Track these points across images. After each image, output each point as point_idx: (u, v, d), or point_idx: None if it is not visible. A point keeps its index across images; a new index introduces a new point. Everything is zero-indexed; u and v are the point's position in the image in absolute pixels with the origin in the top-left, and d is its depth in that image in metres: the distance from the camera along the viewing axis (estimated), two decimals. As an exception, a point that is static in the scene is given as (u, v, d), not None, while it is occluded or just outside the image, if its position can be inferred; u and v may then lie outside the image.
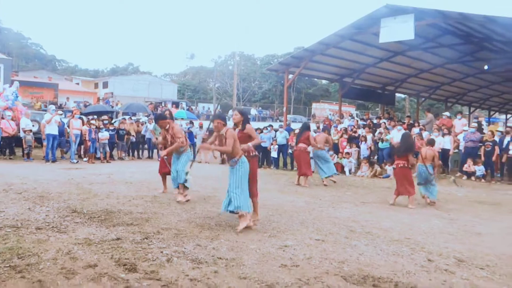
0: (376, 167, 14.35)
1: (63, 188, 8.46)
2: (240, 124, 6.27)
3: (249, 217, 5.79)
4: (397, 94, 28.76)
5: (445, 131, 14.67)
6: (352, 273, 4.25)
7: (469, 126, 15.23)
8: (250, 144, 6.18)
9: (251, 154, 6.21)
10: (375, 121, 19.45)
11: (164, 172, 8.36)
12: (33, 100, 30.29)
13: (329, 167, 11.58)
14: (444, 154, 14.14)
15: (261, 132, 16.63)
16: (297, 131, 15.80)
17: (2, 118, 14.33)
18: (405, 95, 37.46)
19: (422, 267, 4.56)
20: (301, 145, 11.24)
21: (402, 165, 8.77)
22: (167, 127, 7.85)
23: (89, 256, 4.36)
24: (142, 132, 17.02)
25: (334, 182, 11.67)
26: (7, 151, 14.16)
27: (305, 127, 11.58)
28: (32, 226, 5.44)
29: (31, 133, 14.23)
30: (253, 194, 6.12)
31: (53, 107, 14.91)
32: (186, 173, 7.52)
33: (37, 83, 38.48)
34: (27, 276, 3.77)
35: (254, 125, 18.24)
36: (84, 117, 16.32)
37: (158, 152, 16.68)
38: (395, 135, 14.30)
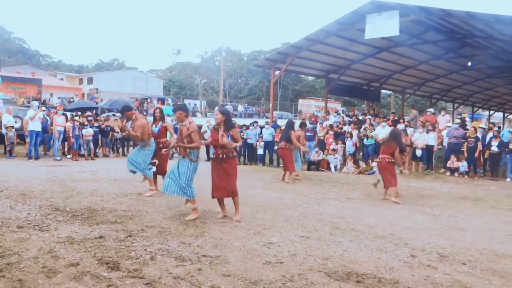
0: (362, 163, 14.44)
1: (46, 186, 8.34)
2: (222, 124, 6.17)
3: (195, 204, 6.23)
4: (383, 91, 29.00)
5: (430, 127, 14.82)
6: (336, 270, 4.27)
7: (452, 123, 15.42)
8: (235, 144, 6.23)
9: (231, 155, 6.24)
10: (360, 117, 19.58)
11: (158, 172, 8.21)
12: (16, 96, 29.76)
13: (297, 165, 11.54)
14: (428, 150, 14.32)
15: (247, 128, 16.61)
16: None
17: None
18: (390, 92, 37.78)
19: (405, 263, 4.60)
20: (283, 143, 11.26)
21: (387, 159, 8.94)
22: (133, 119, 7.96)
23: (71, 255, 4.31)
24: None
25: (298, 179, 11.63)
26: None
27: (289, 125, 11.60)
28: (13, 225, 5.35)
29: (13, 130, 13.98)
30: (234, 193, 6.24)
31: (36, 103, 14.67)
32: (149, 167, 7.65)
33: (20, 79, 37.84)
34: (7, 276, 3.70)
35: (240, 121, 18.28)
36: (68, 113, 16.10)
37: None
38: (380, 132, 14.42)
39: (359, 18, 15.18)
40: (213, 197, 6.32)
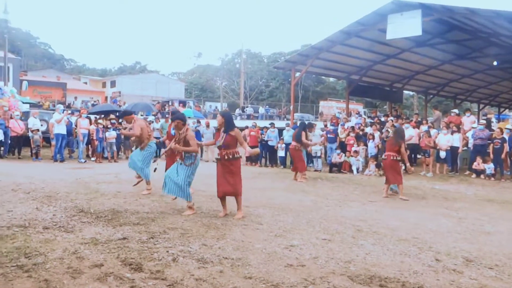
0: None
1: (71, 188, 8.51)
2: (222, 126, 6.51)
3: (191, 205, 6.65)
4: (405, 92, 28.58)
5: (454, 128, 14.54)
6: (359, 273, 4.22)
7: (478, 123, 15.08)
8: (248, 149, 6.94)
9: (235, 156, 6.52)
10: (382, 119, 19.34)
11: None
12: (42, 99, 30.49)
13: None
14: (453, 152, 14.03)
15: (267, 130, 16.61)
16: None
17: (11, 117, 14.44)
18: (413, 92, 37.23)
19: (430, 267, 4.51)
20: (294, 143, 11.79)
21: (393, 156, 9.23)
22: (132, 122, 8.39)
23: (95, 256, 4.38)
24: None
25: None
26: (16, 150, 14.27)
27: (302, 126, 12.16)
28: (39, 226, 5.46)
29: (39, 133, 14.32)
30: (238, 193, 6.55)
31: (61, 106, 15.00)
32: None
33: (45, 83, 38.80)
34: (33, 276, 3.79)
35: (261, 123, 18.28)
36: (91, 117, 16.39)
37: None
38: (403, 133, 14.21)
39: (380, 18, 15.02)
40: (218, 196, 6.62)
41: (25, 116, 15.86)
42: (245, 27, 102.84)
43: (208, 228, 5.73)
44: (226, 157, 6.44)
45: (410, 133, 14.43)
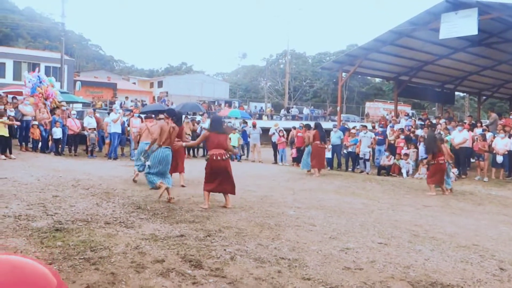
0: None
1: (126, 185, 8.82)
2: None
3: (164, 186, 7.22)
4: (456, 93, 27.59)
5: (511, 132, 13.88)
6: (419, 279, 4.12)
7: (537, 127, 14.31)
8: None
9: (223, 157, 7.03)
10: (434, 121, 18.75)
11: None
12: (94, 99, 31.73)
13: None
14: (510, 156, 13.38)
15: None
16: (353, 130, 15.78)
17: (68, 116, 15.12)
18: (464, 94, 35.86)
19: (494, 276, 4.35)
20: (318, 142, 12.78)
21: (441, 161, 10.05)
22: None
23: (156, 252, 4.52)
24: (198, 131, 17.35)
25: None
26: (72, 148, 14.93)
27: (318, 126, 13.31)
28: (101, 221, 5.70)
29: (95, 131, 14.91)
30: (234, 190, 7.16)
31: (118, 106, 15.54)
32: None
33: (97, 83, 40.28)
34: (100, 268, 3.96)
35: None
36: (142, 116, 16.87)
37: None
38: (456, 136, 13.76)
39: (433, 17, 14.60)
40: (211, 191, 7.08)
41: (78, 115, 16.50)
42: (290, 28, 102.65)
43: (262, 228, 5.78)
44: (220, 158, 7.03)
45: (464, 136, 13.92)
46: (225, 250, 4.69)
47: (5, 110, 12.46)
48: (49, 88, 15.38)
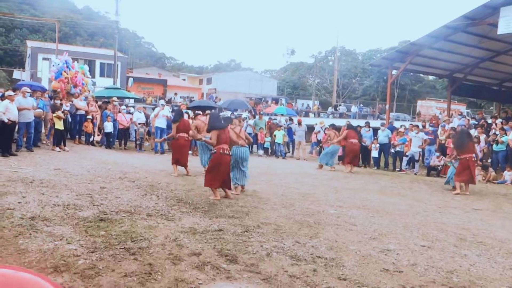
0: (491, 171, 13.11)
1: (170, 179, 9.01)
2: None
3: None
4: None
5: None
6: (463, 285, 3.93)
7: None
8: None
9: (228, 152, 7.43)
10: (489, 120, 17.82)
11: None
12: (145, 95, 32.72)
13: (332, 161, 13.56)
14: None
15: (361, 129, 16.15)
16: (401, 129, 15.35)
17: (119, 111, 15.65)
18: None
19: (547, 286, 4.06)
20: (353, 140, 13.39)
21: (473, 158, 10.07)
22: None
23: (194, 245, 4.58)
24: (243, 128, 17.45)
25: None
26: (122, 141, 15.45)
27: (350, 126, 13.98)
28: (143, 213, 5.86)
29: (144, 126, 15.35)
30: (228, 187, 7.42)
31: (163, 101, 15.91)
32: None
33: (148, 79, 41.56)
34: (139, 259, 4.07)
35: (354, 122, 17.86)
36: (190, 112, 17.19)
37: (257, 147, 17.04)
38: (514, 137, 12.99)
39: (491, 11, 13.88)
40: (216, 187, 7.23)
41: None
42: (340, 24, 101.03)
43: (301, 225, 5.72)
44: (226, 152, 7.38)
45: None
46: (261, 246, 4.68)
47: (61, 104, 13.08)
48: (78, 75, 15.46)
